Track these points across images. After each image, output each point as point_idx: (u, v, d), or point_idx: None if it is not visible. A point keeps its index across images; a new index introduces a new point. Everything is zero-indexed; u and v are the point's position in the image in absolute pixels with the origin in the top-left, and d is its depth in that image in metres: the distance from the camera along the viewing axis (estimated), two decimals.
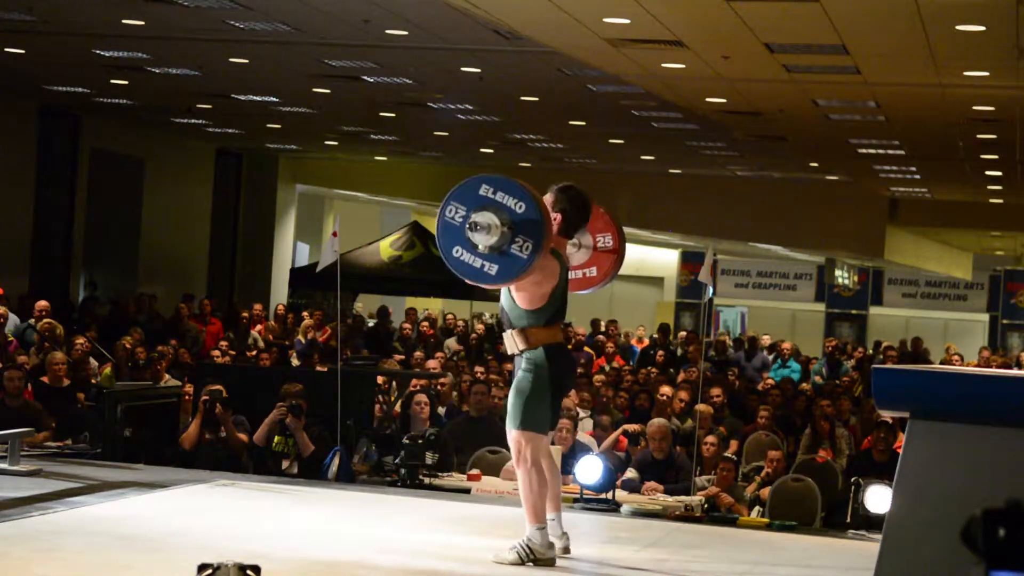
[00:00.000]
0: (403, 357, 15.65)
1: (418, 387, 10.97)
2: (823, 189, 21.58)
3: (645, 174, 22.24)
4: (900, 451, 5.08)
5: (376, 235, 22.23)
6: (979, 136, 14.90)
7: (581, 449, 9.13)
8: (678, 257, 32.87)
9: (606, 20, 10.16)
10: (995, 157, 16.45)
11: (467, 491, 8.59)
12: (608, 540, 6.91)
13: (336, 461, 8.96)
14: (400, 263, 18.85)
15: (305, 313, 18.83)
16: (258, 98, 15.87)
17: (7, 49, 13.46)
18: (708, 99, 13.76)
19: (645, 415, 11.54)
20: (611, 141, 18.01)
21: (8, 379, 9.54)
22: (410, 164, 23.32)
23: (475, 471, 9.04)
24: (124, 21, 11.62)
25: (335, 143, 20.64)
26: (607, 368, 15.98)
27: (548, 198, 5.91)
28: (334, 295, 11.24)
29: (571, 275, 6.18)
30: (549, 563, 5.78)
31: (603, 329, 19.93)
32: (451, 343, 18.16)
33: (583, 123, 16.38)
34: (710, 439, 9.94)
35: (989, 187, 20.10)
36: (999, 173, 18.13)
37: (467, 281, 5.75)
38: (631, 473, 9.13)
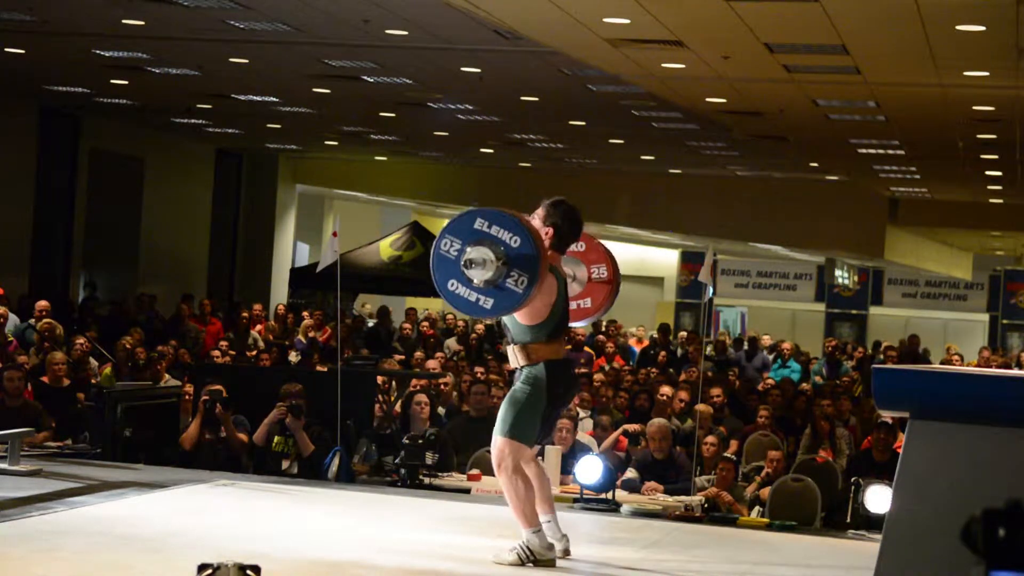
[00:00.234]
0: (403, 357, 15.65)
1: (418, 387, 10.97)
2: (823, 189, 21.58)
3: (645, 174, 22.23)
4: (900, 451, 5.09)
5: (376, 235, 22.22)
6: (979, 136, 14.90)
7: (581, 449, 9.13)
8: (678, 257, 32.87)
9: (606, 20, 10.16)
10: (995, 157, 16.45)
11: (467, 491, 8.59)
12: (608, 540, 6.91)
13: (336, 461, 8.96)
14: (400, 263, 18.85)
15: (305, 313, 18.83)
16: (258, 98, 15.87)
17: (7, 49, 13.46)
18: (708, 99, 13.76)
19: (645, 415, 11.54)
20: (611, 141, 18.01)
21: (8, 379, 9.54)
22: (410, 164, 23.31)
23: (475, 471, 9.04)
24: (124, 21, 11.62)
25: (335, 143, 20.64)
26: (607, 368, 15.98)
27: (539, 212, 5.93)
28: (334, 295, 11.23)
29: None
30: (549, 564, 5.79)
31: (603, 329, 19.93)
32: (451, 343, 18.16)
33: (583, 123, 16.38)
34: (710, 439, 9.94)
35: (989, 187, 20.11)
36: (999, 173, 18.14)
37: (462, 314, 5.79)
38: (631, 473, 9.13)
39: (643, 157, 19.85)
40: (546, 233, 5.85)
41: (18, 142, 17.51)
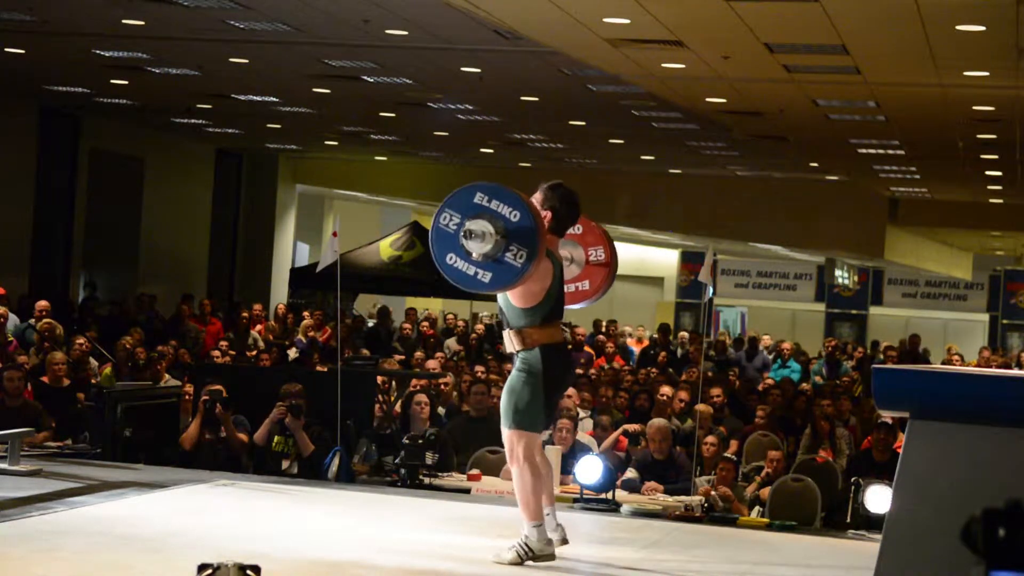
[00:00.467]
0: (403, 357, 15.65)
1: (418, 387, 10.97)
2: (823, 189, 21.58)
3: (645, 174, 22.24)
4: (900, 451, 5.09)
5: (376, 235, 22.21)
6: (979, 136, 14.91)
7: (581, 449, 9.13)
8: (678, 257, 32.87)
9: (606, 20, 10.16)
10: (995, 157, 16.45)
11: (467, 491, 8.59)
12: (608, 540, 6.91)
13: (336, 461, 8.96)
14: (400, 263, 18.84)
15: (306, 313, 18.83)
16: (258, 98, 15.87)
17: (7, 49, 13.46)
18: (708, 99, 13.76)
19: (645, 415, 11.54)
20: (611, 141, 18.01)
21: (8, 379, 9.54)
22: (410, 164, 23.31)
23: (475, 471, 9.04)
24: (124, 21, 11.62)
25: (335, 143, 20.64)
26: (606, 368, 15.99)
27: (537, 196, 5.91)
28: (334, 295, 11.24)
29: (564, 288, 6.17)
30: (548, 558, 5.79)
31: (603, 329, 19.93)
32: (451, 343, 18.17)
33: (583, 123, 16.39)
34: (710, 439, 9.94)
35: (989, 187, 20.11)
36: (999, 173, 18.14)
37: (460, 287, 5.77)
38: (631, 473, 9.13)
39: (643, 157, 19.85)
40: (544, 216, 5.84)
41: (18, 142, 17.51)
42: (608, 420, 11.35)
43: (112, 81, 15.18)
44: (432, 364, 14.14)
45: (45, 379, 10.82)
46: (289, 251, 23.28)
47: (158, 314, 17.59)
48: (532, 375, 5.77)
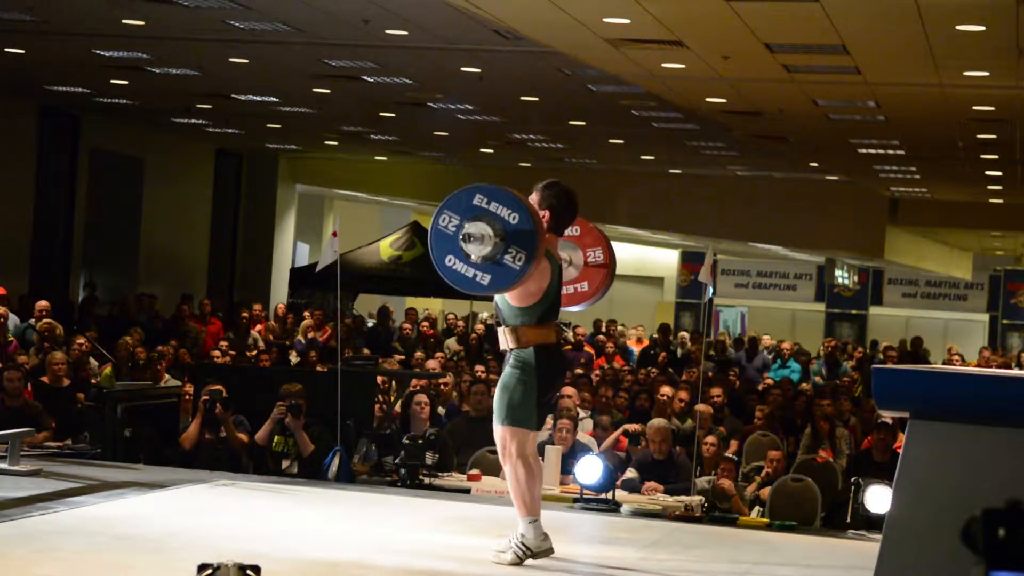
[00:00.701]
0: (403, 357, 15.65)
1: (418, 387, 10.97)
2: (823, 189, 21.58)
3: (645, 174, 22.23)
4: (900, 451, 5.09)
5: (376, 235, 22.21)
6: (979, 136, 14.90)
7: (581, 449, 9.13)
8: (678, 257, 32.86)
9: (606, 20, 10.16)
10: (995, 157, 16.45)
11: (467, 491, 8.59)
12: (608, 540, 6.91)
13: (336, 461, 8.96)
14: (400, 263, 18.84)
15: (306, 313, 18.84)
16: (258, 98, 15.87)
17: (7, 49, 13.46)
18: (708, 99, 13.76)
19: (645, 415, 11.54)
20: (611, 141, 18.01)
21: (8, 379, 9.54)
22: (410, 164, 23.31)
23: (475, 471, 9.04)
24: (124, 21, 11.62)
25: (335, 143, 20.64)
26: (606, 368, 15.99)
27: (534, 196, 5.91)
28: (334, 295, 11.24)
29: (562, 290, 6.17)
30: (547, 553, 5.78)
31: (603, 329, 19.93)
32: (451, 343, 18.17)
33: (583, 123, 16.39)
34: (710, 439, 9.94)
35: (989, 187, 20.11)
36: (999, 173, 18.14)
37: (458, 289, 5.77)
38: (631, 473, 9.13)
39: (643, 157, 19.85)
40: (543, 216, 5.84)
41: (18, 142, 17.51)
42: (608, 420, 11.35)
43: (112, 81, 15.18)
44: (432, 364, 14.14)
45: (45, 379, 10.81)
46: (289, 251, 23.27)
47: (158, 314, 17.59)
48: (526, 373, 5.77)
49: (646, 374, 15.26)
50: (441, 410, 11.45)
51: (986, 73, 11.38)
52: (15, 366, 10.10)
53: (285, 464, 9.16)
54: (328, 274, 10.04)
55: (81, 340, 12.36)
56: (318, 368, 12.87)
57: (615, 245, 6.69)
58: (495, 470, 9.08)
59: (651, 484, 8.93)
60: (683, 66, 11.82)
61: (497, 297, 5.89)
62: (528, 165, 21.78)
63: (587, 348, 17.98)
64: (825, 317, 32.74)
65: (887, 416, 9.62)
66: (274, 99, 15.91)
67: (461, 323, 20.60)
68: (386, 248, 19.11)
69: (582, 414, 10.96)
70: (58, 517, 6.31)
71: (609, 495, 8.01)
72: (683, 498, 8.70)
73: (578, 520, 7.44)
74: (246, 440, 9.33)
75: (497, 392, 5.87)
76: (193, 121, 18.69)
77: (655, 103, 14.22)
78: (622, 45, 11.02)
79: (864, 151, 16.91)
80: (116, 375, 11.97)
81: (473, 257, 5.59)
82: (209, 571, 4.49)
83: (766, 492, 9.35)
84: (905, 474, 4.76)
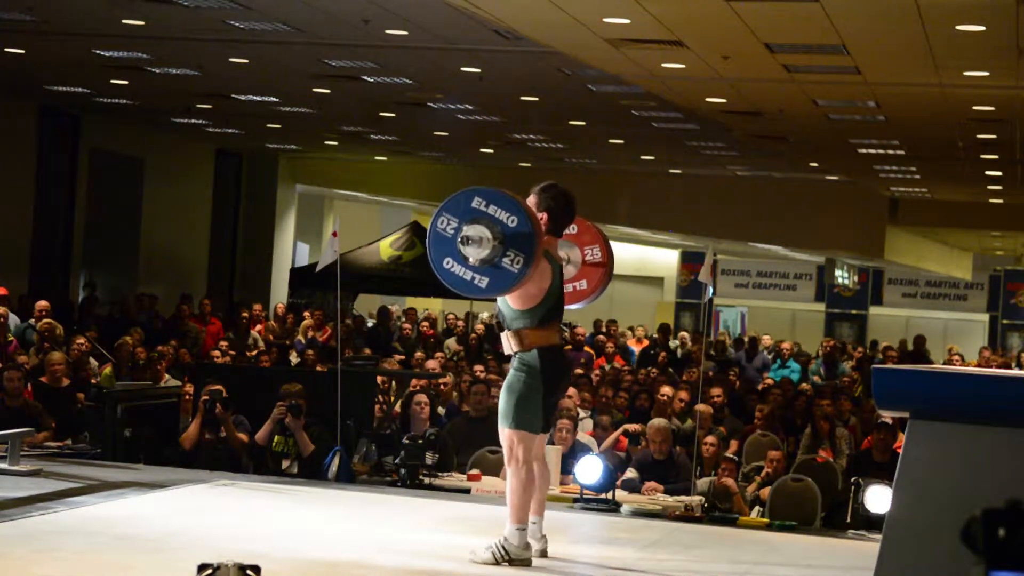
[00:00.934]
0: (403, 357, 15.65)
1: (418, 387, 10.96)
2: (823, 189, 21.58)
3: (645, 174, 22.23)
4: (900, 451, 5.09)
5: (376, 235, 22.21)
6: (979, 136, 14.90)
7: (581, 449, 9.13)
8: (678, 257, 32.86)
9: (606, 20, 10.16)
10: (995, 157, 16.45)
11: (467, 491, 8.59)
12: (608, 540, 6.91)
13: (336, 461, 8.96)
14: (400, 263, 18.84)
15: (306, 313, 18.84)
16: (258, 98, 15.87)
17: (7, 49, 13.46)
18: (708, 99, 13.76)
19: (645, 415, 11.54)
20: (611, 141, 18.01)
21: (8, 379, 9.54)
22: (410, 164, 23.31)
23: (475, 471, 9.04)
24: (124, 21, 11.62)
25: (335, 143, 20.64)
26: (607, 368, 15.99)
27: (532, 199, 5.91)
28: (334, 295, 11.24)
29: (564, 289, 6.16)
30: (524, 563, 5.76)
31: (603, 329, 19.92)
32: (451, 343, 18.16)
33: (583, 123, 16.38)
34: (710, 439, 9.94)
35: (989, 187, 20.11)
36: (999, 173, 18.13)
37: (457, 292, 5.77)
38: (631, 473, 9.13)
39: (643, 157, 19.85)
40: (540, 218, 5.83)
41: (18, 142, 17.51)
42: (608, 420, 11.35)
43: (112, 81, 15.18)
44: (432, 364, 14.14)
45: (45, 379, 10.82)
46: (289, 251, 23.27)
47: (158, 314, 17.59)
48: (531, 376, 5.77)
49: (646, 374, 15.25)
50: (441, 410, 11.45)
51: (986, 73, 11.37)
52: (15, 366, 10.10)
53: (285, 464, 9.16)
54: (328, 274, 10.05)
55: (81, 340, 12.36)
56: (318, 368, 12.86)
57: (615, 245, 6.69)
58: (495, 470, 9.08)
59: (651, 484, 8.93)
60: (683, 66, 11.82)
61: (499, 301, 5.89)
62: (528, 165, 21.78)
63: (586, 348, 17.97)
64: (825, 317, 32.74)
65: (887, 416, 9.62)
66: (274, 99, 15.90)
67: (461, 323, 20.59)
68: (386, 248, 19.11)
69: (582, 414, 10.96)
70: (58, 517, 6.31)
71: (609, 495, 8.01)
72: (683, 498, 8.70)
73: (578, 520, 7.44)
74: (246, 440, 9.33)
75: (502, 395, 5.86)
76: (193, 121, 18.68)
77: (655, 103, 14.21)
78: (622, 45, 11.02)
79: (864, 151, 16.91)
80: (116, 375, 11.97)
81: (471, 260, 5.59)
82: (209, 571, 4.49)
83: (766, 492, 9.35)
84: (905, 474, 4.76)
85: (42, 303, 13.60)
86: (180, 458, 9.10)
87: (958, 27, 9.58)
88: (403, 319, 19.95)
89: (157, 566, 5.33)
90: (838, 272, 28.68)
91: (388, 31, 11.26)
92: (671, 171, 21.75)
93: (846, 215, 21.85)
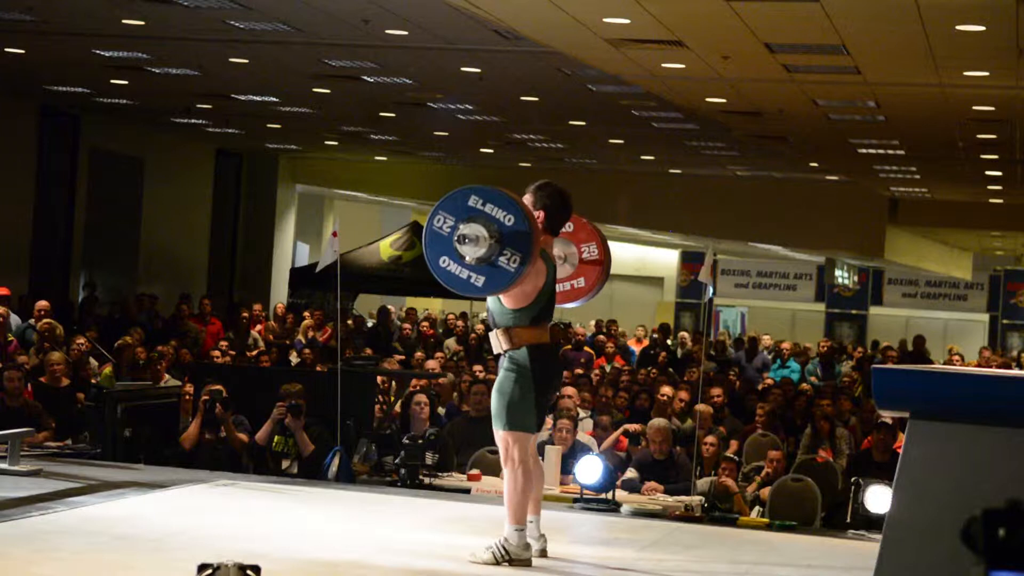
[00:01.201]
0: (403, 357, 15.65)
1: (418, 387, 10.96)
2: (823, 189, 21.58)
3: (645, 174, 22.23)
4: (900, 451, 5.09)
5: (376, 235, 22.21)
6: (979, 136, 14.90)
7: (581, 449, 9.13)
8: (678, 257, 32.87)
9: (606, 20, 10.16)
10: (995, 157, 16.45)
11: (467, 491, 8.59)
12: (608, 540, 6.91)
13: (336, 461, 8.96)
14: (400, 263, 18.85)
15: (307, 313, 18.84)
16: (258, 98, 15.87)
17: (7, 49, 13.46)
18: (708, 99, 13.76)
19: (645, 415, 11.55)
20: (611, 141, 18.01)
21: (8, 379, 9.54)
22: (410, 164, 23.31)
23: (475, 471, 9.04)
24: (124, 21, 11.62)
25: (335, 143, 20.64)
26: (607, 368, 15.99)
27: (528, 198, 5.89)
28: (334, 295, 11.24)
29: (559, 287, 6.16)
30: (525, 564, 5.76)
31: (603, 329, 19.92)
32: (451, 343, 18.16)
33: (583, 123, 16.38)
34: (710, 439, 9.94)
35: (989, 187, 20.11)
36: (999, 173, 18.14)
37: (453, 291, 5.76)
38: (631, 473, 9.13)
39: (643, 157, 19.85)
40: (537, 216, 5.82)
41: (18, 142, 17.51)
42: (608, 420, 11.35)
43: (112, 81, 15.18)
44: (432, 364, 14.14)
45: (45, 379, 10.81)
46: (289, 251, 23.27)
47: (158, 314, 17.59)
48: (521, 375, 5.75)
49: (646, 374, 15.25)
50: (441, 410, 11.45)
51: (986, 73, 11.37)
52: (15, 366, 10.09)
53: (285, 464, 9.16)
54: (328, 274, 10.05)
55: (81, 340, 12.36)
56: (318, 368, 12.86)
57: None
58: (495, 470, 9.08)
59: (651, 484, 8.93)
60: (683, 66, 11.82)
61: (489, 300, 5.88)
62: (528, 165, 21.78)
63: (586, 349, 17.97)
64: (825, 317, 32.74)
65: (887, 416, 9.62)
66: (274, 99, 15.90)
67: (460, 323, 20.59)
68: (386, 248, 19.11)
69: (582, 414, 10.95)
70: (58, 517, 6.31)
71: (609, 495, 8.01)
72: (683, 498, 8.70)
73: (578, 520, 7.44)
74: (246, 440, 9.33)
75: (493, 396, 5.84)
76: (193, 121, 18.68)
77: (655, 103, 14.21)
78: (622, 45, 11.02)
79: (864, 151, 16.91)
80: (117, 375, 11.96)
81: (468, 259, 5.58)
82: (209, 571, 4.49)
83: (766, 492, 9.35)
84: (905, 474, 4.76)
85: (42, 303, 13.60)
86: (180, 458, 9.10)
87: (958, 27, 9.58)
88: (404, 318, 19.93)
89: (157, 566, 5.33)
90: (838, 272, 28.68)
91: (388, 31, 11.26)
92: (671, 171, 21.75)
93: (846, 215, 21.85)
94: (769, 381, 15.43)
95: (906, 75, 11.77)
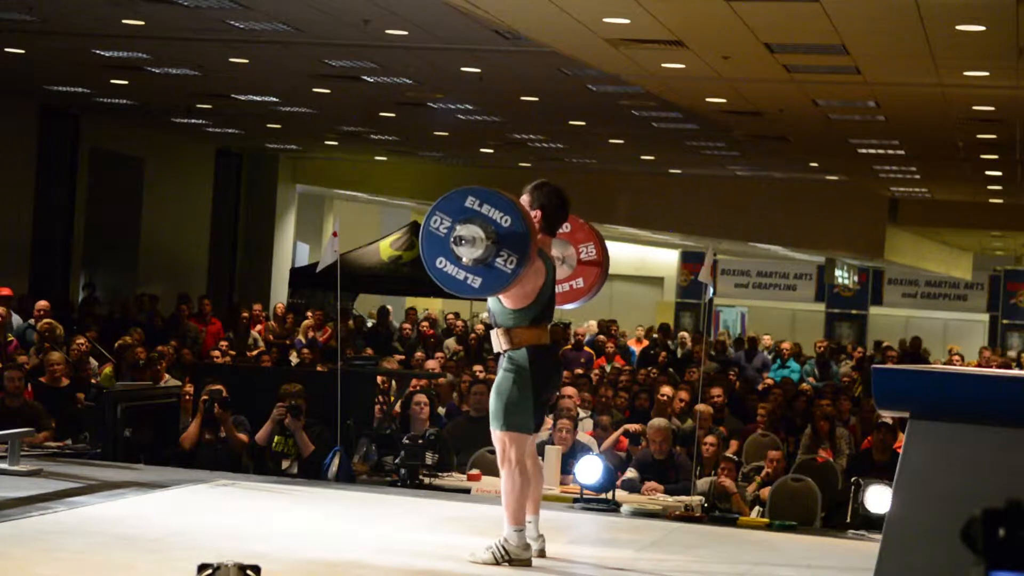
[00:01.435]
0: (403, 357, 15.65)
1: (418, 387, 10.96)
2: (823, 189, 21.58)
3: (645, 174, 22.23)
4: (900, 451, 5.09)
5: (376, 235, 22.22)
6: (979, 136, 14.90)
7: (581, 449, 9.13)
8: (678, 257, 32.87)
9: (606, 20, 10.16)
10: (995, 157, 16.45)
11: (467, 491, 8.59)
12: (608, 540, 6.91)
13: (336, 461, 8.96)
14: (400, 263, 18.85)
15: (308, 313, 18.84)
16: (258, 98, 15.86)
17: (7, 49, 13.46)
18: (708, 99, 13.76)
19: (645, 415, 11.54)
20: (611, 141, 18.01)
21: (8, 379, 9.54)
22: (410, 164, 23.31)
23: (475, 471, 9.04)
24: (124, 21, 11.62)
25: (335, 143, 20.64)
26: (607, 368, 15.99)
27: (525, 198, 5.89)
28: (334, 295, 11.24)
29: (557, 288, 6.15)
30: (525, 564, 5.76)
31: (604, 329, 19.91)
32: (451, 343, 18.16)
33: (583, 123, 16.38)
34: (710, 439, 9.94)
35: (989, 187, 20.11)
36: (999, 173, 18.14)
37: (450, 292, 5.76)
38: (631, 473, 9.13)
39: (643, 157, 19.85)
40: (534, 216, 5.82)
41: (18, 142, 17.51)
42: (608, 420, 11.35)
43: (112, 81, 15.18)
44: (432, 364, 14.14)
45: (44, 379, 10.81)
46: (289, 251, 23.28)
47: (158, 314, 17.59)
48: (520, 375, 5.75)
49: (646, 374, 15.26)
50: (441, 410, 11.45)
51: (986, 73, 11.37)
52: (15, 366, 10.09)
53: (285, 464, 9.16)
54: (328, 274, 10.05)
55: (81, 340, 12.35)
56: (318, 368, 12.87)
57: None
58: (495, 470, 9.05)
59: (651, 484, 8.93)
60: (683, 66, 11.82)
61: (490, 300, 5.88)
62: (528, 165, 21.77)
63: (586, 349, 17.97)
64: (825, 317, 32.74)
65: (887, 416, 9.62)
66: (274, 99, 15.90)
67: (460, 323, 20.59)
68: (386, 248, 19.11)
69: (582, 414, 10.95)
70: (58, 517, 6.31)
71: (609, 495, 8.01)
72: (683, 498, 8.69)
73: (578, 520, 7.44)
74: (246, 440, 9.33)
75: (492, 396, 5.83)
76: (193, 121, 18.68)
77: (655, 103, 14.21)
78: (622, 45, 11.02)
79: (864, 151, 16.91)
80: (117, 375, 11.96)
81: (464, 260, 5.57)
82: (209, 571, 4.49)
83: (766, 492, 9.35)
84: (905, 474, 4.76)
85: (42, 303, 13.60)
86: (180, 458, 9.10)
87: (958, 27, 9.58)
88: (404, 319, 19.94)
89: (157, 566, 5.33)
90: (838, 272, 28.68)
91: (388, 31, 11.26)
92: (671, 171, 21.75)
93: (846, 215, 21.85)
94: (769, 381, 15.43)
95: (906, 75, 11.77)
